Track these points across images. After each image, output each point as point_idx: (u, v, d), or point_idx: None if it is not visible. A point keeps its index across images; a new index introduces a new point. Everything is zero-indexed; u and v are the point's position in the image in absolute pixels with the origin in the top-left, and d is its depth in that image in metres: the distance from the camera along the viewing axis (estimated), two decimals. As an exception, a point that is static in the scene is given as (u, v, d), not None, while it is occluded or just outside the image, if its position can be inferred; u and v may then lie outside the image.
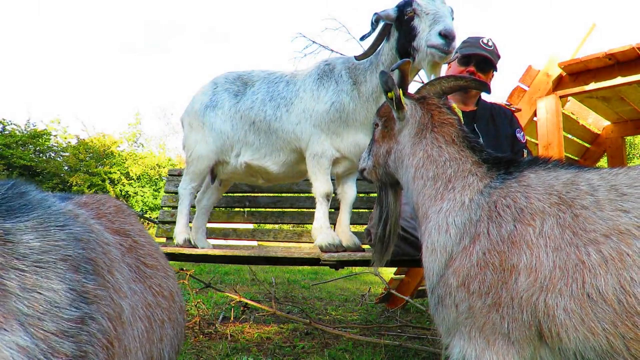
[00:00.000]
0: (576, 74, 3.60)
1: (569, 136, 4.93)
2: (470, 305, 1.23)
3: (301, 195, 4.14)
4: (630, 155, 15.84)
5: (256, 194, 4.22)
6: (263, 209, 4.24)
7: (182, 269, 3.54)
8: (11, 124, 15.65)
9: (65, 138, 17.09)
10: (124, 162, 16.75)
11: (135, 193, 16.26)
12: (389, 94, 1.57)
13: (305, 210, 4.11)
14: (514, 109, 3.55)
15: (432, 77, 2.26)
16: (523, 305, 1.14)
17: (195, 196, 3.43)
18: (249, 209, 4.27)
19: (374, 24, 2.49)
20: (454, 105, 2.45)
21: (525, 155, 2.55)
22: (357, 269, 5.13)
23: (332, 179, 2.82)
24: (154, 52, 54.41)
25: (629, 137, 9.16)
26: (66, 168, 16.27)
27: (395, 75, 1.66)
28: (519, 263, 1.17)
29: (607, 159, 5.39)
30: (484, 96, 2.75)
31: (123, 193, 16.16)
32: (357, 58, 2.64)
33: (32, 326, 0.66)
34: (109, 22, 49.96)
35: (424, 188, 1.49)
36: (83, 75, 47.61)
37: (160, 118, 35.95)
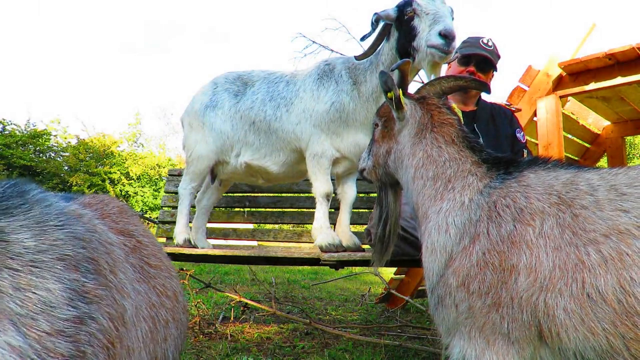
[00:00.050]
0: (576, 74, 3.60)
1: (569, 136, 4.92)
2: (470, 305, 1.23)
3: (301, 195, 4.14)
4: (630, 155, 15.85)
5: (256, 194, 4.21)
6: (263, 209, 4.24)
7: (182, 269, 3.54)
8: (11, 124, 15.69)
9: (65, 138, 17.12)
10: (124, 162, 16.76)
11: (135, 193, 16.27)
12: (389, 94, 1.57)
13: (305, 210, 4.11)
14: (514, 109, 3.55)
15: (432, 77, 2.26)
16: (523, 305, 1.14)
17: (195, 196, 3.43)
18: (249, 209, 4.26)
19: (374, 24, 2.49)
20: (454, 105, 2.45)
21: (525, 155, 2.55)
22: (357, 269, 5.13)
23: (332, 179, 2.82)
24: (154, 52, 54.49)
25: (629, 137, 9.16)
26: (66, 168, 16.28)
27: (395, 75, 1.66)
28: (519, 263, 1.17)
29: (607, 159, 5.39)
30: (484, 96, 2.74)
31: (123, 193, 16.16)
32: (357, 58, 2.64)
33: (26, 326, 0.65)
34: (109, 22, 50.03)
35: (424, 188, 1.49)
36: (83, 75, 47.73)
37: (160, 118, 36.07)
